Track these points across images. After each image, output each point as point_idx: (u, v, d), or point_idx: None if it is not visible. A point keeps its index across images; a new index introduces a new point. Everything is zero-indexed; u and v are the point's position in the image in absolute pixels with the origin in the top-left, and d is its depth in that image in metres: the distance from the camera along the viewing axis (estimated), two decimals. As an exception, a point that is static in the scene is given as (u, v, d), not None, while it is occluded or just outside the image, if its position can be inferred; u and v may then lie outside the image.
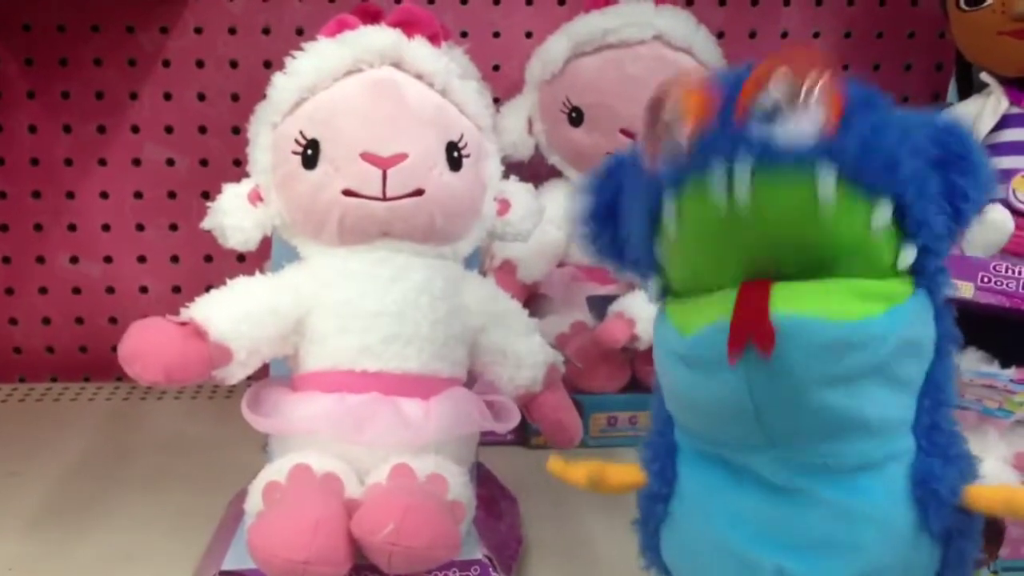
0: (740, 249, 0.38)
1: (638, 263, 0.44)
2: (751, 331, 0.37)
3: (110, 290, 1.05)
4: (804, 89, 0.35)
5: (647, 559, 0.48)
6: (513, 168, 0.70)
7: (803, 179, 0.35)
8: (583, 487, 0.46)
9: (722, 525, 0.43)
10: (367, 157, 0.61)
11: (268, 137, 0.64)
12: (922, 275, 0.40)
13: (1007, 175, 0.79)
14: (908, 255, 0.39)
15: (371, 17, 0.66)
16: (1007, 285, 0.67)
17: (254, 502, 0.57)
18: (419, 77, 0.63)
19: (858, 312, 0.37)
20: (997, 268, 0.68)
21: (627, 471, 0.47)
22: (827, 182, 0.35)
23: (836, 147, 0.35)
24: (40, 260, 1.03)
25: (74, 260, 1.04)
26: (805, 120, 0.35)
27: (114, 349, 0.57)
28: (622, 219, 0.44)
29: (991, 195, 0.40)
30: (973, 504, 0.39)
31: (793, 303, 0.37)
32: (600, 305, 0.87)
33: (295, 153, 0.62)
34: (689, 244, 0.40)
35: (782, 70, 0.35)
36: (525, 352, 0.65)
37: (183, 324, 0.58)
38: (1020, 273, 0.68)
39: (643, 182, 0.40)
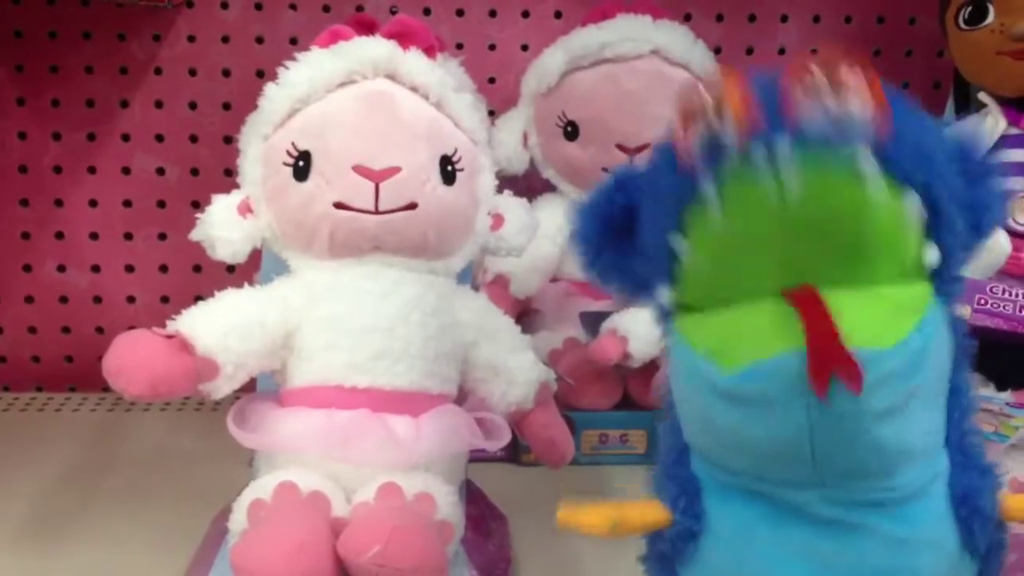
0: (782, 242, 0.36)
1: (647, 279, 0.42)
2: (834, 364, 0.35)
3: (97, 299, 1.04)
4: (845, 80, 0.35)
5: None
6: (507, 182, 0.69)
7: (850, 166, 0.35)
8: (604, 535, 0.41)
9: (769, 562, 0.40)
10: (359, 170, 0.60)
11: (259, 148, 0.63)
12: (941, 280, 0.39)
13: (1005, 196, 0.78)
14: (932, 255, 0.38)
15: (366, 28, 0.65)
16: (1004, 307, 0.67)
17: (238, 520, 0.56)
18: (414, 90, 0.63)
19: (896, 332, 0.36)
20: (994, 290, 0.67)
21: (649, 510, 0.43)
22: (875, 175, 0.35)
23: (883, 141, 0.35)
24: (27, 268, 1.02)
25: (61, 269, 1.03)
26: (850, 109, 0.35)
27: (101, 359, 0.56)
28: (630, 234, 0.43)
29: (1004, 217, 0.41)
30: (1010, 515, 0.39)
31: (851, 330, 0.35)
32: (593, 321, 0.86)
33: (286, 165, 0.61)
34: (728, 235, 0.38)
35: (824, 64, 0.35)
36: (517, 369, 0.65)
37: (169, 337, 0.58)
38: (1017, 295, 0.67)
39: (674, 175, 0.38)
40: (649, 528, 0.43)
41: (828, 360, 0.35)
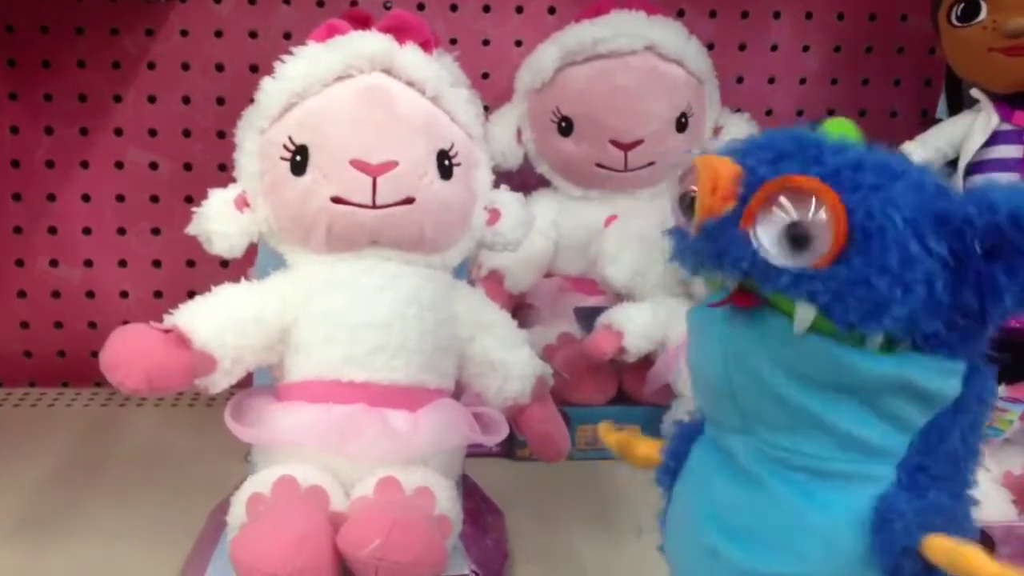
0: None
1: None
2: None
3: (90, 294, 1.03)
4: (811, 212, 0.35)
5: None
6: (501, 177, 0.69)
7: (788, 301, 0.36)
8: (612, 449, 0.49)
9: (692, 501, 0.44)
10: (357, 164, 0.60)
11: (256, 142, 0.63)
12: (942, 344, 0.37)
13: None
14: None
15: (360, 22, 0.65)
16: (997, 302, 0.67)
17: (237, 514, 0.56)
18: (410, 84, 0.63)
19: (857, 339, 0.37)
20: (988, 285, 0.67)
21: (650, 446, 0.48)
22: (804, 315, 0.36)
23: (821, 284, 0.35)
24: (19, 263, 1.02)
25: (54, 263, 1.02)
26: (802, 246, 0.35)
27: (93, 354, 0.56)
28: None
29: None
30: (927, 552, 0.37)
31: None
32: (588, 316, 0.87)
33: (283, 159, 0.61)
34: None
35: (794, 186, 0.35)
36: (514, 364, 0.65)
37: (166, 331, 0.57)
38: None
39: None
40: (643, 459, 0.48)
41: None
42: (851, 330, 0.36)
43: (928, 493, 0.39)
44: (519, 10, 1.01)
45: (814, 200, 0.35)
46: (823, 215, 0.34)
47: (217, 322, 0.58)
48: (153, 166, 1.00)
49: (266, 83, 0.63)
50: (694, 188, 0.37)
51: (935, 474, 0.39)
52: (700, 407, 0.44)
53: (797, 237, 0.35)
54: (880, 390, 0.37)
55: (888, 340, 0.37)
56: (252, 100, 0.65)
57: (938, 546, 0.37)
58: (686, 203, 0.38)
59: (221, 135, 0.99)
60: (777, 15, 1.03)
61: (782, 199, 0.35)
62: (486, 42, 1.01)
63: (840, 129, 0.39)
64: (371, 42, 0.62)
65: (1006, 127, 0.81)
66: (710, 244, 0.37)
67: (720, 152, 0.38)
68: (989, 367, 0.39)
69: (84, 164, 1.00)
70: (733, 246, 0.36)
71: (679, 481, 0.45)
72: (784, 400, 0.38)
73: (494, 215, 0.66)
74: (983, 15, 0.80)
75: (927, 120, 0.96)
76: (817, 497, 0.39)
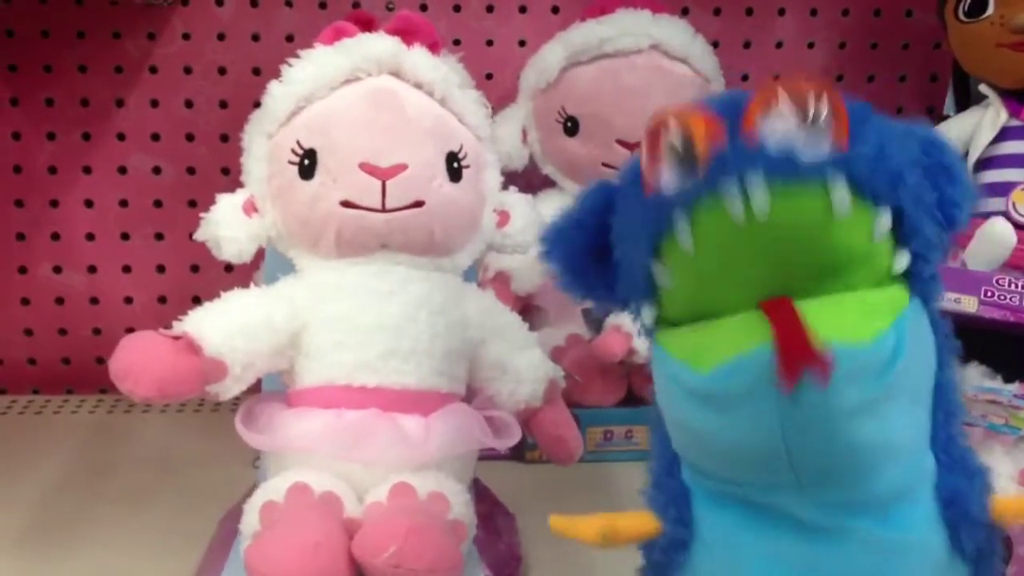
0: (755, 263, 0.37)
1: (628, 295, 0.42)
2: (802, 358, 0.35)
3: (94, 300, 1.03)
4: (811, 105, 0.35)
5: None
6: (507, 178, 0.69)
7: (818, 190, 0.35)
8: (595, 544, 0.43)
9: (755, 570, 0.41)
10: (366, 168, 0.59)
11: (263, 147, 0.62)
12: (916, 281, 0.39)
13: (1007, 188, 0.79)
14: (902, 260, 0.39)
15: (364, 24, 0.65)
16: (1010, 299, 0.67)
17: (250, 522, 0.55)
18: (418, 86, 0.62)
19: (869, 329, 0.36)
20: (1000, 282, 0.67)
21: (640, 520, 0.44)
22: (842, 193, 0.35)
23: (848, 160, 0.35)
24: (22, 270, 1.01)
25: (57, 270, 1.02)
26: (817, 134, 0.35)
27: (98, 361, 0.56)
28: (605, 254, 0.43)
29: (975, 205, 0.41)
30: (1002, 517, 0.39)
31: (820, 328, 0.35)
32: (596, 318, 0.86)
33: (292, 163, 0.61)
34: (703, 263, 0.38)
35: (787, 88, 0.35)
36: (525, 367, 0.64)
37: (176, 338, 0.57)
38: (1023, 287, 0.67)
39: (644, 205, 0.39)
40: (640, 538, 0.44)
41: (794, 350, 0.35)
42: (876, 203, 0.37)
43: (969, 463, 0.40)
44: (523, 10, 1.00)
45: (812, 93, 0.35)
46: (821, 99, 0.35)
47: (227, 328, 0.58)
48: (156, 170, 1.00)
49: (273, 87, 0.62)
50: (678, 135, 0.36)
51: (959, 439, 0.41)
52: (712, 470, 0.41)
53: (805, 121, 0.35)
54: (904, 365, 0.37)
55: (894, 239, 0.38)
56: (255, 103, 0.64)
57: (1010, 507, 0.39)
58: (674, 155, 0.37)
59: (224, 139, 0.98)
60: (782, 12, 1.02)
61: (779, 98, 0.35)
62: (490, 42, 1.01)
63: None
64: (379, 44, 0.62)
65: (1015, 123, 0.81)
66: (722, 167, 0.35)
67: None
68: (944, 316, 0.41)
69: (87, 169, 1.00)
70: (749, 157, 0.35)
71: (700, 551, 0.43)
72: (858, 444, 0.37)
73: (503, 217, 0.66)
74: (990, 10, 0.80)
75: (933, 116, 0.96)
76: (894, 518, 0.39)
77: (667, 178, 0.37)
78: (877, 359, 0.36)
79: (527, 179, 0.92)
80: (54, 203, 1.00)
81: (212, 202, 0.62)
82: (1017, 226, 0.75)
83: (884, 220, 0.37)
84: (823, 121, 0.35)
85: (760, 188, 0.35)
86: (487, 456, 0.76)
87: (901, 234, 0.38)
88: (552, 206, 0.92)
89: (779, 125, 0.35)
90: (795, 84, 0.35)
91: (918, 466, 0.39)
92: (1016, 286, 0.67)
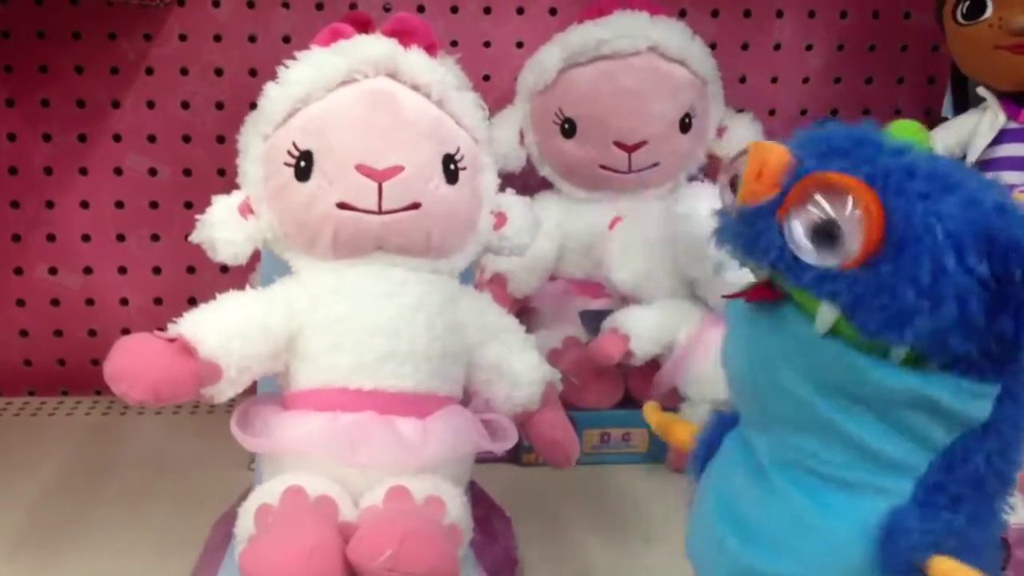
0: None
1: None
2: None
3: (90, 302, 1.02)
4: (846, 211, 0.34)
5: None
6: (504, 180, 0.68)
7: (811, 300, 0.36)
8: (654, 430, 0.53)
9: (711, 495, 0.44)
10: (362, 169, 0.59)
11: (259, 148, 0.62)
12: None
13: (1005, 191, 0.78)
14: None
15: (361, 25, 0.64)
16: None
17: (245, 526, 0.55)
18: (415, 88, 0.62)
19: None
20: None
21: (689, 431, 0.49)
22: (826, 316, 0.35)
23: (844, 285, 0.34)
24: (18, 271, 1.01)
25: (53, 271, 1.01)
26: (831, 243, 0.34)
27: (94, 362, 0.56)
28: None
29: None
30: (930, 573, 0.36)
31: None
32: (593, 320, 0.86)
33: (288, 165, 0.60)
34: None
35: (831, 183, 0.34)
36: (522, 370, 0.64)
37: (171, 340, 0.57)
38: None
39: None
40: (680, 443, 0.50)
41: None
42: (873, 338, 0.35)
43: (942, 513, 0.37)
44: (520, 11, 1.00)
45: (850, 199, 0.34)
46: (857, 215, 0.34)
47: (223, 330, 0.57)
48: (152, 172, 1.00)
49: (269, 88, 0.62)
50: (741, 167, 0.37)
51: (954, 494, 0.38)
52: (732, 400, 0.44)
53: (826, 234, 0.34)
54: (898, 404, 0.37)
55: (916, 356, 0.36)
56: (252, 104, 0.64)
57: (942, 569, 0.36)
58: (734, 185, 0.38)
59: (221, 140, 0.98)
60: (780, 14, 1.02)
61: (818, 195, 0.34)
62: (487, 44, 1.00)
63: (906, 132, 0.38)
64: (376, 46, 0.61)
65: (1013, 125, 0.81)
66: (746, 229, 0.37)
67: (783, 141, 0.37)
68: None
69: (83, 170, 0.99)
70: (765, 235, 0.36)
71: (706, 471, 0.46)
72: (800, 403, 0.38)
73: (501, 219, 0.66)
74: (989, 13, 0.80)
75: (931, 118, 0.96)
76: (827, 502, 0.39)
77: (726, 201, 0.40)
78: (859, 371, 0.37)
79: (524, 181, 0.92)
80: (50, 204, 1.00)
81: (208, 204, 0.62)
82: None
83: (896, 351, 0.36)
84: (848, 232, 0.34)
85: (760, 272, 0.38)
86: (484, 459, 0.76)
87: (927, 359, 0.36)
88: (550, 208, 0.93)
89: (804, 222, 0.35)
90: (837, 182, 0.34)
91: (880, 478, 0.38)
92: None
